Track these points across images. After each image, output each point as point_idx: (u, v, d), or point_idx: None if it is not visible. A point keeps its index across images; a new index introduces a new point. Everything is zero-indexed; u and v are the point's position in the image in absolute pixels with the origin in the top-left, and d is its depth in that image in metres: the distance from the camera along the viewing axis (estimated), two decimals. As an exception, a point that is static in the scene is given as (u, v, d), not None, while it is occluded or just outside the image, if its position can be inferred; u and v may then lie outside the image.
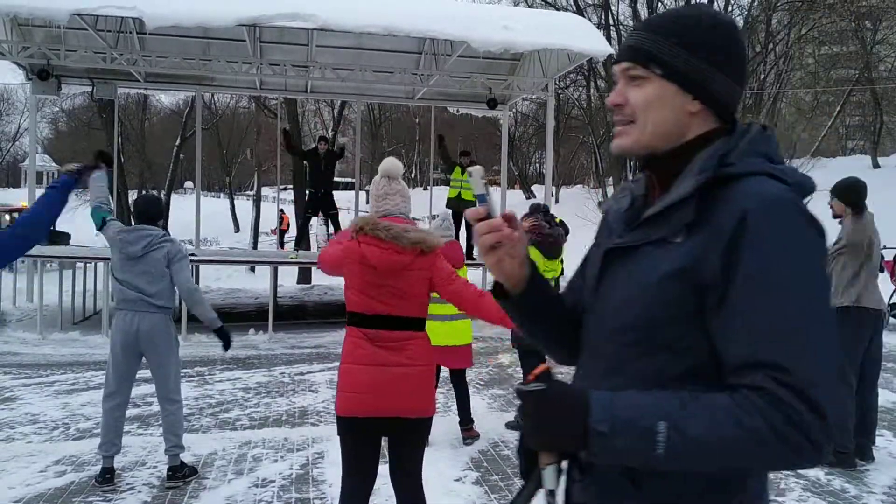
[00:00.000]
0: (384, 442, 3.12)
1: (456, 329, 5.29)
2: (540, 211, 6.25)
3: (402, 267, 2.95)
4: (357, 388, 2.96)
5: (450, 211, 5.91)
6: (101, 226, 4.70)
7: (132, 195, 27.40)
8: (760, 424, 1.03)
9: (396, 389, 2.94)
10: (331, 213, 11.86)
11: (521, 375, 5.91)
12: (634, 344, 1.21)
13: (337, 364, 8.51)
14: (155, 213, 4.90)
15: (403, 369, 2.96)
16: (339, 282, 3.15)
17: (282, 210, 33.16)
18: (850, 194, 5.00)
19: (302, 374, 8.02)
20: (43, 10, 9.87)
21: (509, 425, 5.77)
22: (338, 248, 3.08)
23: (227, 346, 4.81)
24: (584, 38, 11.98)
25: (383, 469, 3.13)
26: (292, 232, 33.05)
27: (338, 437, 3.10)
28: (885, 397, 6.70)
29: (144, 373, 4.88)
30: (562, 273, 10.89)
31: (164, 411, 4.74)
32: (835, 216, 5.05)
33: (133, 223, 4.83)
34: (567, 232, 10.89)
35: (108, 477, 4.62)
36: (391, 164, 3.23)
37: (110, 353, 4.69)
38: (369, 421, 2.97)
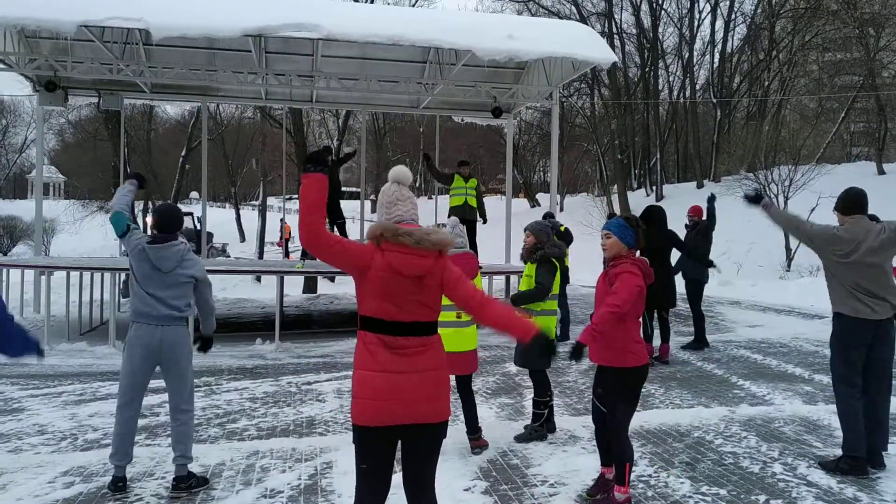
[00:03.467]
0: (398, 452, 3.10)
1: (462, 335, 5.28)
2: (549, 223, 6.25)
3: (426, 271, 2.94)
4: (374, 395, 2.93)
5: (457, 219, 5.91)
6: (123, 232, 4.70)
7: (138, 206, 27.50)
8: None
9: (412, 395, 2.92)
10: (338, 222, 11.88)
11: (532, 387, 5.87)
12: None
13: (344, 373, 8.48)
14: (178, 222, 4.88)
15: (419, 375, 2.94)
16: (344, 291, 3.14)
17: (282, 220, 33.28)
18: (838, 201, 5.05)
19: (309, 383, 8.00)
20: (50, 22, 9.92)
21: (518, 439, 5.72)
22: (353, 243, 2.99)
23: (206, 348, 5.09)
24: (588, 46, 12.00)
25: (396, 479, 3.11)
26: (296, 242, 33.15)
27: (346, 447, 3.08)
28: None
29: (151, 383, 4.87)
30: (567, 281, 10.92)
31: (175, 421, 4.74)
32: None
33: (150, 232, 4.81)
34: (571, 240, 10.96)
35: (120, 486, 4.63)
36: (401, 170, 3.20)
37: (127, 363, 4.64)
38: (386, 428, 2.95)
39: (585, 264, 19.39)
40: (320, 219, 2.87)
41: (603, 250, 4.43)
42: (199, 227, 34.28)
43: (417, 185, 59.80)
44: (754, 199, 5.51)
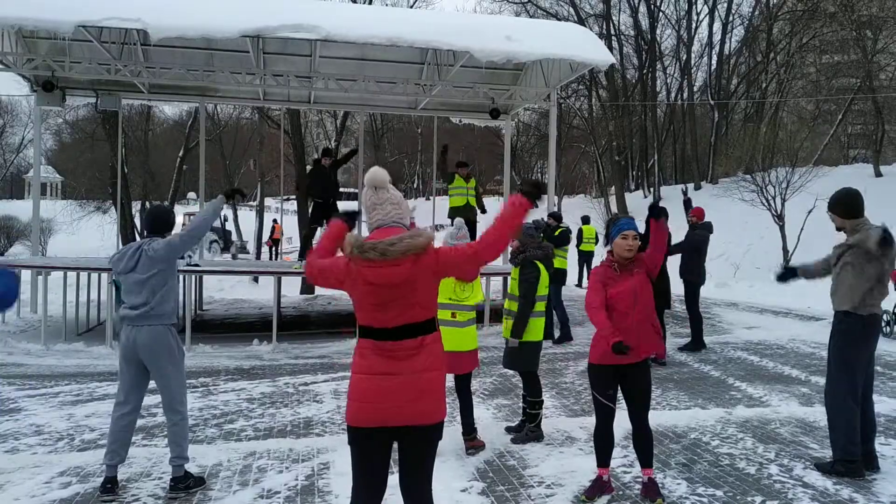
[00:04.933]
0: (394, 452, 3.11)
1: (461, 335, 5.28)
2: (539, 227, 6.23)
3: (403, 278, 2.92)
4: (364, 398, 2.96)
5: (462, 220, 5.94)
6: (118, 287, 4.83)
7: (135, 206, 27.46)
8: None
9: (404, 397, 2.93)
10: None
11: (523, 386, 5.88)
12: None
13: (341, 374, 8.49)
14: (161, 225, 4.85)
15: (410, 377, 2.95)
16: (342, 292, 3.14)
17: (274, 220, 33.35)
18: (840, 206, 5.00)
19: (306, 384, 8.01)
20: (48, 22, 9.90)
21: (515, 440, 5.72)
22: (337, 261, 3.05)
23: (238, 195, 5.29)
24: (586, 47, 12.01)
25: (392, 479, 3.11)
26: (294, 243, 33.18)
27: (343, 448, 3.08)
28: (892, 406, 6.69)
29: (150, 384, 4.87)
30: (563, 283, 10.92)
31: (168, 422, 4.75)
32: (837, 229, 5.06)
33: (139, 236, 4.86)
34: (568, 242, 10.99)
35: (108, 487, 4.60)
36: (374, 173, 3.18)
37: (118, 362, 4.75)
38: (379, 430, 2.97)
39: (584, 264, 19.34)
40: (311, 270, 3.11)
41: (626, 252, 4.34)
42: (224, 226, 35.39)
43: (415, 185, 59.84)
44: (786, 275, 5.45)
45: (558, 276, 10.41)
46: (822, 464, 5.04)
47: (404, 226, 3.12)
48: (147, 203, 29.66)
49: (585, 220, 14.70)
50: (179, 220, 31.77)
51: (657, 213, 4.48)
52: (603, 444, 4.51)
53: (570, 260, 11.86)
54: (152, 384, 4.79)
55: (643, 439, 4.43)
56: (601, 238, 12.59)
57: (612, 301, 4.32)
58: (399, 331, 2.96)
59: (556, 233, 10.61)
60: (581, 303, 14.63)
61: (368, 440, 2.98)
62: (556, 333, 10.60)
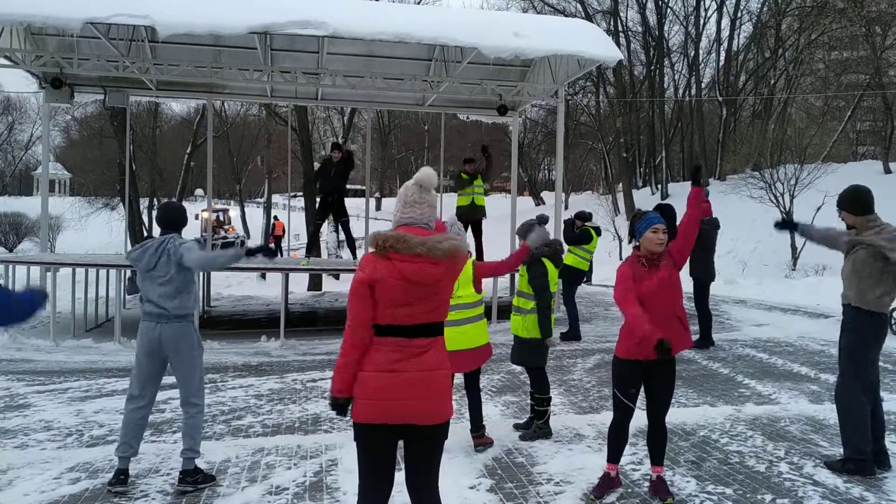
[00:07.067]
0: (400, 450, 3.10)
1: (474, 332, 5.26)
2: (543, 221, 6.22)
3: (438, 278, 2.97)
4: (373, 395, 2.96)
5: (455, 217, 5.92)
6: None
7: (143, 203, 27.58)
8: None
9: (412, 394, 2.94)
10: (342, 220, 11.85)
11: (531, 383, 5.87)
12: None
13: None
14: (178, 219, 4.88)
15: (420, 374, 2.96)
16: (348, 289, 3.13)
17: (276, 216, 33.39)
18: (850, 203, 4.94)
19: (314, 380, 8.01)
20: (56, 19, 9.93)
21: (523, 437, 5.72)
22: (364, 274, 3.01)
23: (271, 254, 4.94)
24: (594, 44, 11.96)
25: (399, 476, 3.10)
26: (301, 240, 33.27)
27: (352, 444, 3.07)
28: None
29: (163, 380, 4.88)
30: (578, 282, 10.89)
31: (184, 414, 4.78)
32: (849, 227, 5.02)
33: (148, 231, 4.86)
34: (588, 240, 10.97)
35: (121, 479, 4.62)
36: (426, 174, 3.19)
37: (135, 356, 4.75)
38: (385, 427, 2.96)
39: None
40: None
41: (657, 245, 4.31)
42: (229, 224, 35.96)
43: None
44: (787, 225, 5.46)
45: (571, 274, 10.38)
46: (832, 462, 5.01)
47: (429, 228, 3.13)
48: (155, 199, 29.79)
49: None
50: (205, 215, 32.13)
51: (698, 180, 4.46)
52: (617, 440, 4.48)
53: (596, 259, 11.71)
54: (166, 379, 4.80)
55: (659, 437, 4.41)
56: (603, 232, 12.55)
57: (640, 297, 4.23)
58: (415, 329, 2.98)
59: (576, 230, 10.57)
60: (588, 300, 14.63)
61: (374, 436, 2.99)
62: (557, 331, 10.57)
